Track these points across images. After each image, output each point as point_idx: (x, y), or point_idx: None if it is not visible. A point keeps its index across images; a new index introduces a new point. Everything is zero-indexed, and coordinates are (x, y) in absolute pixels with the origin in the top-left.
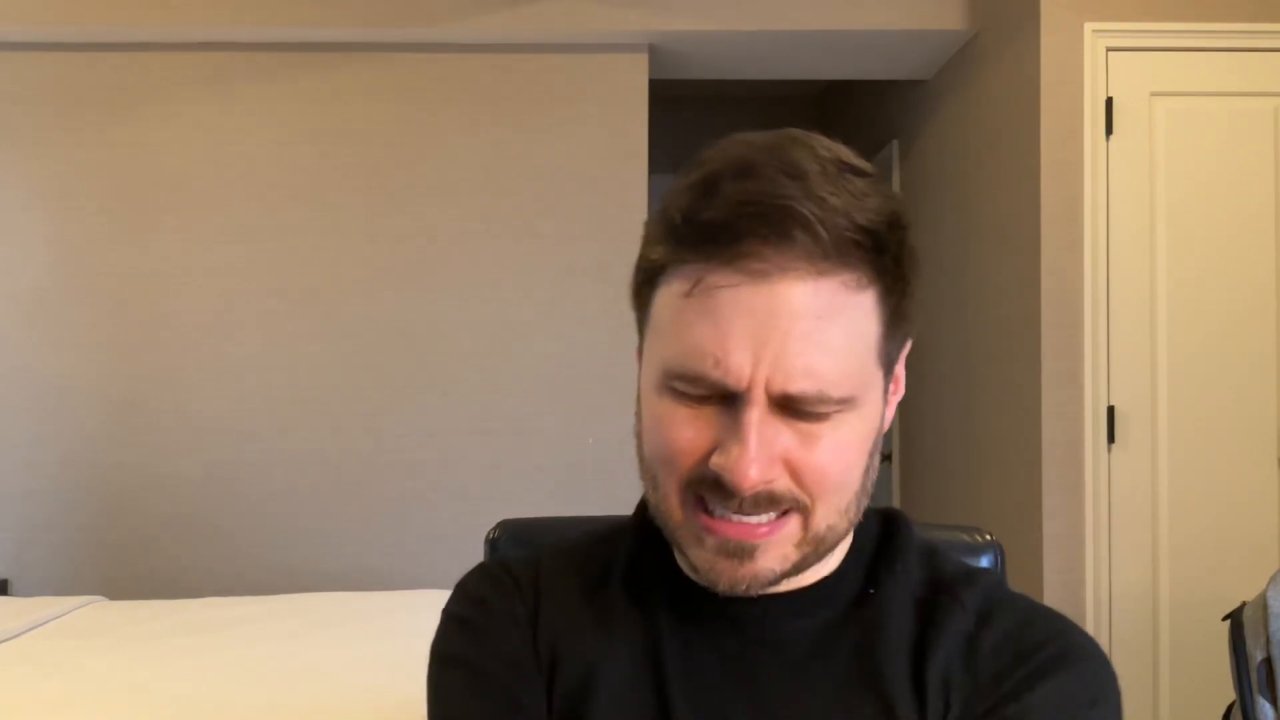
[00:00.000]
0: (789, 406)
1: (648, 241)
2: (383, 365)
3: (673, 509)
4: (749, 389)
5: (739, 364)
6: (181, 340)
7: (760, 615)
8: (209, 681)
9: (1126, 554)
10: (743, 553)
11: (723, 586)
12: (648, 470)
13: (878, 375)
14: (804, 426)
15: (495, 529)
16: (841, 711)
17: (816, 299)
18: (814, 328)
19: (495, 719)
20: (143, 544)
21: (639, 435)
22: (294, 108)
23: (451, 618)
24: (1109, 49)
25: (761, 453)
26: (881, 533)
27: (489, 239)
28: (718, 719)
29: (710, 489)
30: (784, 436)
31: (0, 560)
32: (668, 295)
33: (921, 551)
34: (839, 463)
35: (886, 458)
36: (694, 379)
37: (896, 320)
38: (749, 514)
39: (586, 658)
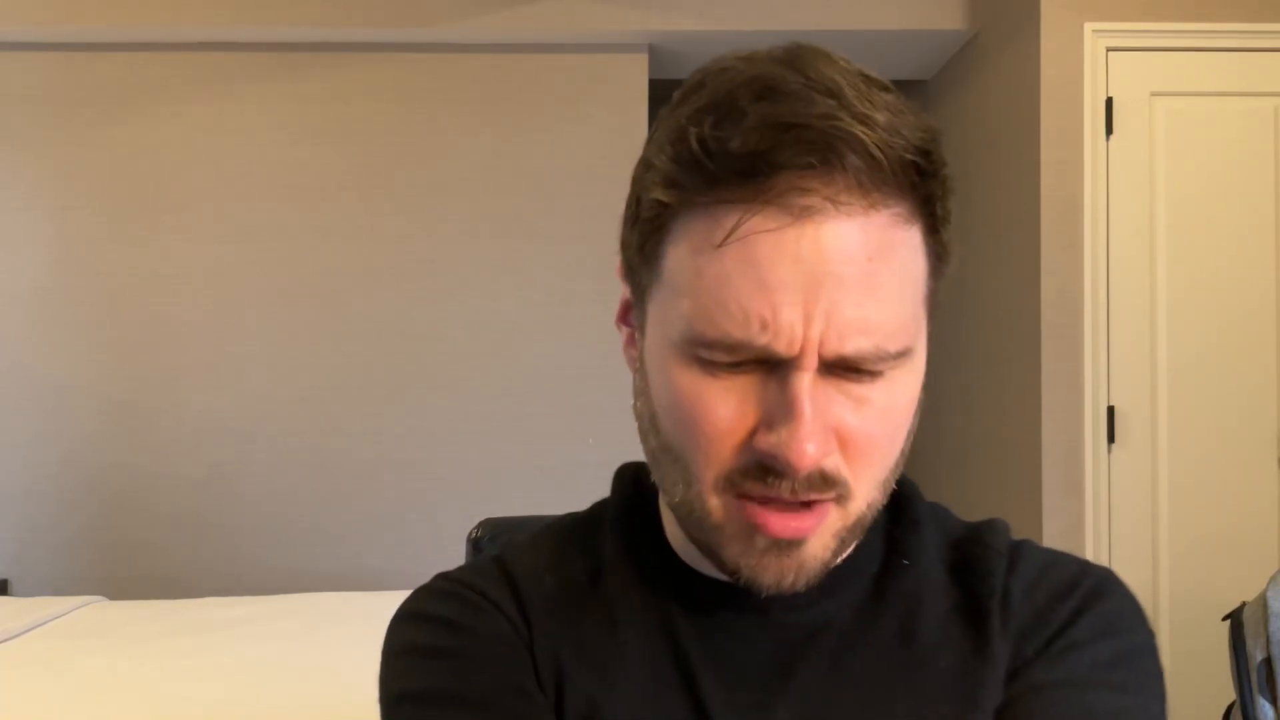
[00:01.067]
0: (841, 367)
1: (649, 182)
2: (383, 365)
3: (711, 507)
4: (801, 353)
5: (790, 324)
6: (181, 340)
7: (786, 602)
8: (209, 681)
9: (1126, 554)
10: (791, 547)
11: (768, 585)
12: (671, 459)
13: (924, 321)
14: (855, 389)
15: (477, 528)
16: (901, 690)
17: (868, 237)
18: (867, 272)
19: None
20: (143, 544)
21: (649, 419)
22: (294, 108)
23: (412, 650)
24: (1109, 49)
25: (816, 425)
26: (891, 498)
27: (489, 239)
28: (765, 713)
29: (755, 476)
30: (836, 404)
31: (0, 560)
32: (686, 246)
33: (930, 510)
34: (889, 427)
35: None
36: (733, 346)
37: (942, 255)
38: (800, 497)
39: (598, 673)
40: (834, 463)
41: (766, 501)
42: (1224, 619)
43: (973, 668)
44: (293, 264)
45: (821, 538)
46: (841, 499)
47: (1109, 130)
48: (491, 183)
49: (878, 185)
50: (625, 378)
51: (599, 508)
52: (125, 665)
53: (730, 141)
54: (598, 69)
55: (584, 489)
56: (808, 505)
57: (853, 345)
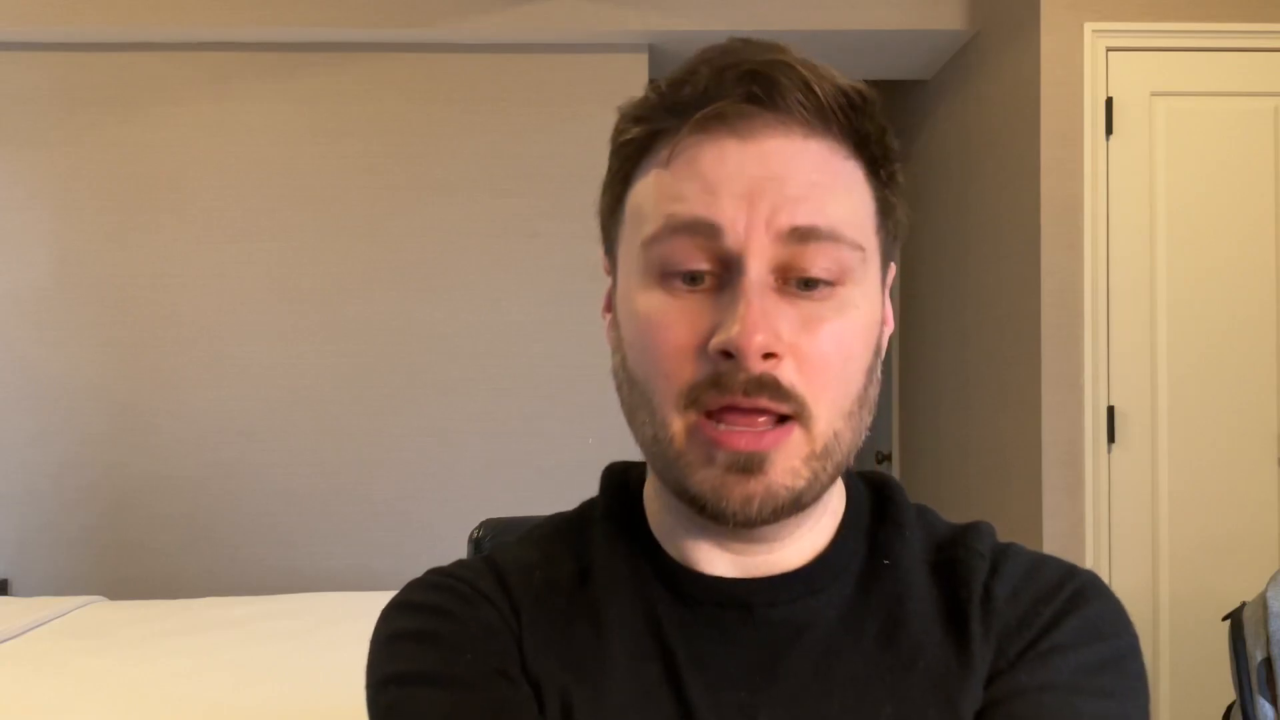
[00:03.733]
0: (794, 277)
1: (615, 140)
2: (383, 365)
3: (673, 432)
4: (746, 247)
5: (732, 214)
6: (181, 340)
7: (771, 598)
8: (209, 682)
9: (1126, 554)
10: (753, 465)
11: (734, 506)
12: (639, 395)
13: (876, 258)
14: (806, 305)
15: (479, 528)
16: (884, 694)
17: (810, 158)
18: (811, 183)
19: None
20: (143, 544)
21: (623, 370)
22: (294, 108)
23: (400, 636)
24: (1109, 49)
25: (764, 321)
26: (875, 498)
27: (489, 239)
28: (742, 708)
29: (712, 388)
30: (786, 316)
31: (0, 560)
32: (646, 177)
33: (916, 512)
34: (842, 351)
35: (886, 457)
36: (679, 227)
37: (886, 207)
38: (754, 399)
39: (585, 672)
40: (788, 375)
41: (724, 413)
42: (1224, 619)
43: (953, 671)
44: (293, 264)
45: (788, 459)
46: (801, 419)
47: (1109, 130)
48: (491, 183)
49: (815, 117)
50: None
51: (586, 507)
52: (125, 665)
53: (685, 86)
54: (598, 69)
55: (584, 489)
56: (766, 419)
57: (804, 217)
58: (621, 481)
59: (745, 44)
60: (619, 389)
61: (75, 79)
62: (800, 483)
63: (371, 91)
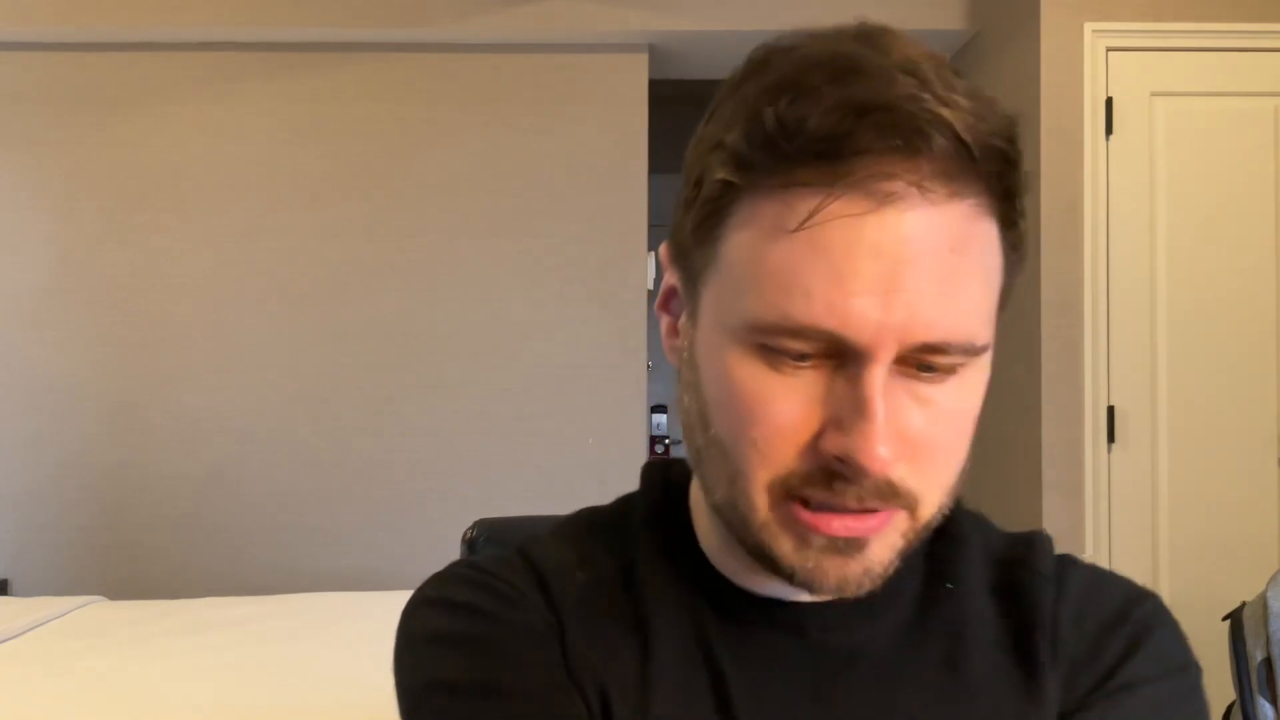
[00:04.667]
0: (914, 364)
1: (715, 162)
2: (383, 365)
3: (759, 507)
4: (876, 345)
5: (865, 313)
6: (181, 340)
7: (824, 623)
8: (209, 682)
9: (1126, 554)
10: (852, 547)
11: (830, 588)
12: (719, 456)
13: (994, 323)
14: (923, 390)
15: (472, 528)
16: (948, 716)
17: (950, 228)
18: (949, 264)
19: None
20: (142, 544)
21: (697, 414)
22: (294, 108)
23: (443, 639)
24: (1109, 49)
25: (890, 426)
26: None
27: (489, 239)
28: None
29: (818, 481)
30: (904, 405)
31: (0, 560)
32: (753, 230)
33: (971, 521)
34: (956, 432)
35: None
36: (802, 333)
37: (1018, 251)
38: (865, 505)
39: (628, 685)
40: (900, 472)
41: (823, 508)
42: (1224, 619)
43: (1020, 705)
44: (292, 264)
45: (887, 538)
46: (909, 506)
47: (1109, 130)
48: (491, 183)
49: (963, 172)
50: (625, 378)
51: (624, 505)
52: (125, 665)
53: (808, 121)
54: (598, 69)
55: (584, 489)
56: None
57: (939, 333)
58: (663, 482)
59: (874, 56)
60: (687, 427)
61: (75, 79)
62: (895, 555)
63: (371, 91)
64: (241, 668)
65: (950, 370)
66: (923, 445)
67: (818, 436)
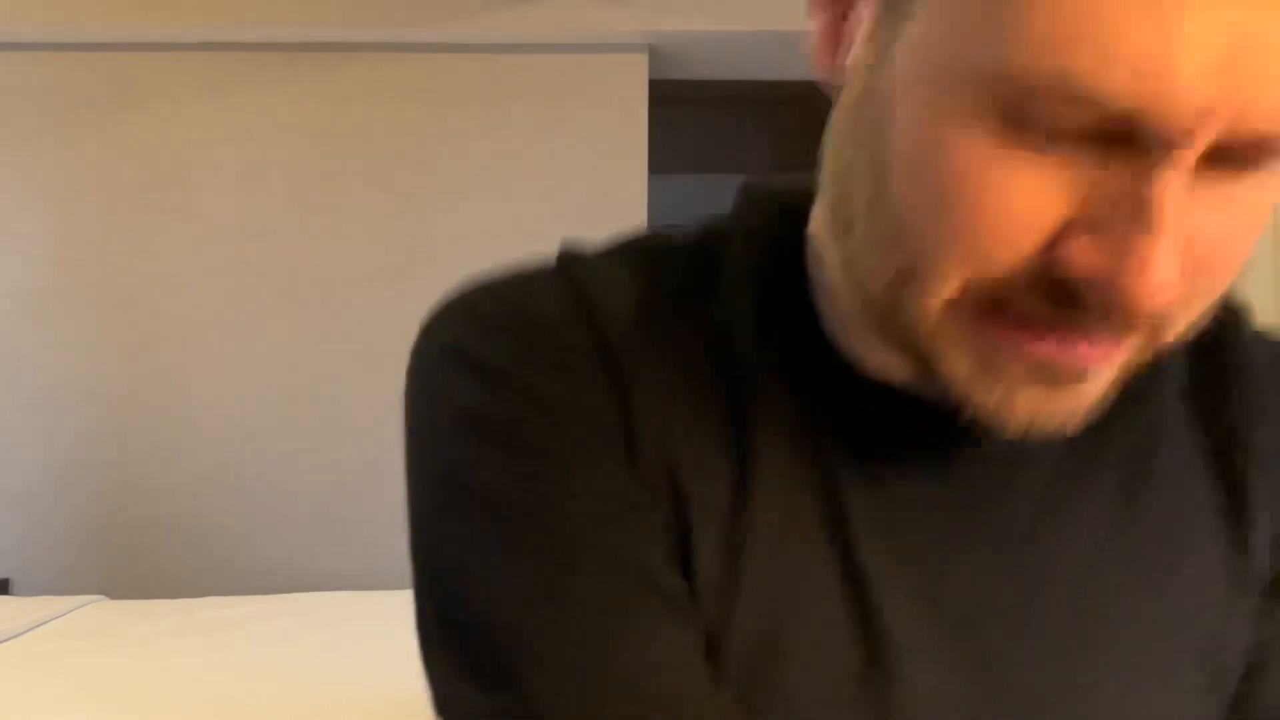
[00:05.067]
0: (1224, 154)
1: None
2: (384, 365)
3: (930, 312)
4: (1191, 128)
5: (1190, 83)
6: (181, 340)
7: (976, 432)
8: (210, 681)
9: None
10: (1063, 378)
11: (1016, 427)
12: (889, 239)
13: None
14: (1223, 186)
15: None
16: (1119, 570)
17: None
18: None
19: (616, 529)
20: (144, 544)
21: (866, 170)
22: (294, 108)
23: (470, 422)
24: None
25: (1175, 244)
26: None
27: (489, 238)
28: (927, 575)
29: (1042, 296)
30: (1196, 209)
31: (1, 560)
32: None
33: None
34: (1251, 240)
35: None
36: (1078, 99)
37: None
38: (1111, 339)
39: (715, 489)
40: (1168, 300)
41: (1028, 322)
42: None
43: (1220, 548)
44: (293, 264)
45: (1113, 367)
46: (1159, 333)
47: None
48: (491, 183)
49: None
50: None
51: (709, 236)
52: (126, 665)
53: None
54: (598, 69)
55: None
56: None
57: None
58: (773, 211)
59: None
60: (839, 183)
61: (75, 79)
62: (1115, 383)
63: (372, 91)
64: (242, 667)
65: (1265, 162)
66: (1207, 261)
67: (1054, 242)
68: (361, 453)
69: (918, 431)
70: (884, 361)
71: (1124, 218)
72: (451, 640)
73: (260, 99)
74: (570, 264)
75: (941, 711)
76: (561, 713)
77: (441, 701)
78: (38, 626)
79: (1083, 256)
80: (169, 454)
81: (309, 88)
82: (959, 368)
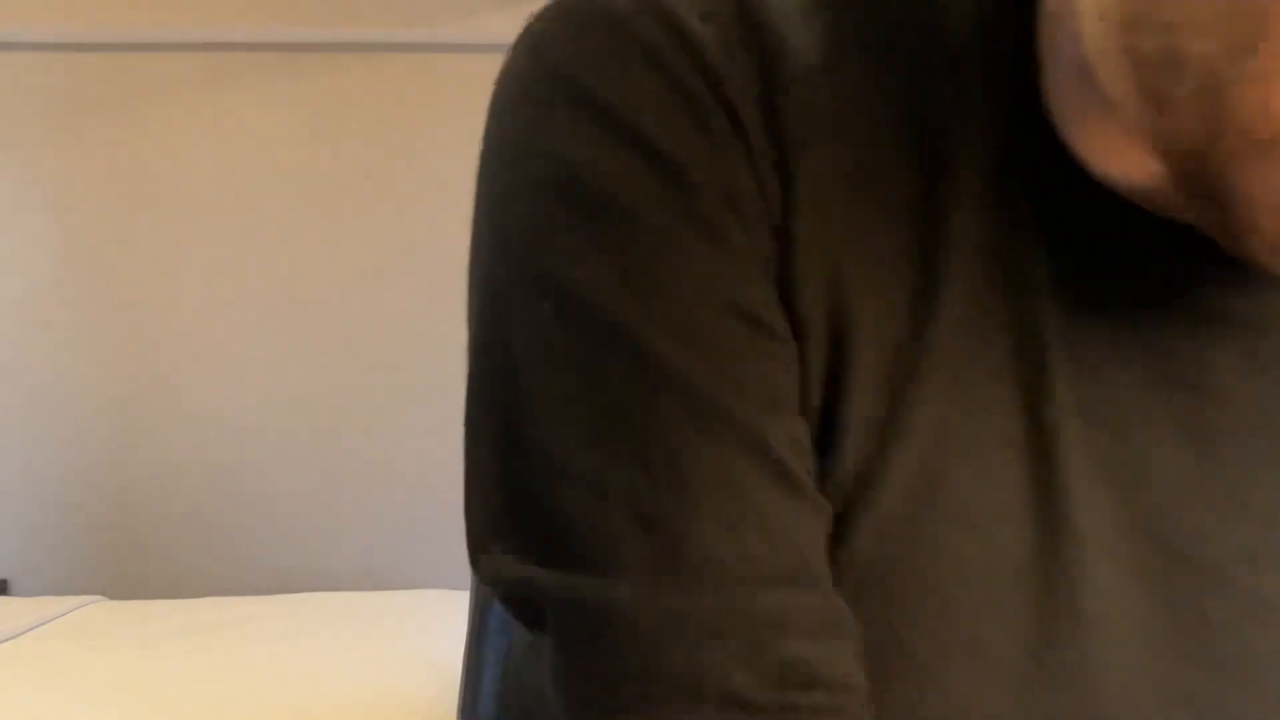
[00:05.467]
0: None
1: None
2: (384, 365)
3: (1276, 112)
4: None
5: None
6: (181, 340)
7: (1232, 275)
8: (210, 681)
9: None
10: None
11: None
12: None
13: None
14: None
15: None
16: None
17: None
18: None
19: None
20: (143, 544)
21: None
22: (294, 108)
23: (580, 201)
24: None
25: None
26: None
27: None
28: (1131, 462)
29: None
30: None
31: (0, 560)
32: None
33: None
34: None
35: None
36: None
37: None
38: None
39: (891, 295)
40: None
41: None
42: None
43: None
44: (293, 264)
45: None
46: None
47: None
48: None
49: None
50: None
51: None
52: (126, 665)
53: None
54: None
55: None
56: None
57: None
58: None
59: None
60: None
61: (75, 79)
62: None
63: (371, 91)
64: (242, 668)
65: None
66: None
67: None
68: (361, 453)
69: (1159, 264)
70: (1125, 163)
71: None
72: (501, 482)
73: (260, 99)
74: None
75: (1119, 634)
76: (642, 610)
77: (487, 563)
78: (37, 627)
79: None
80: (168, 454)
81: (309, 88)
82: (1273, 195)
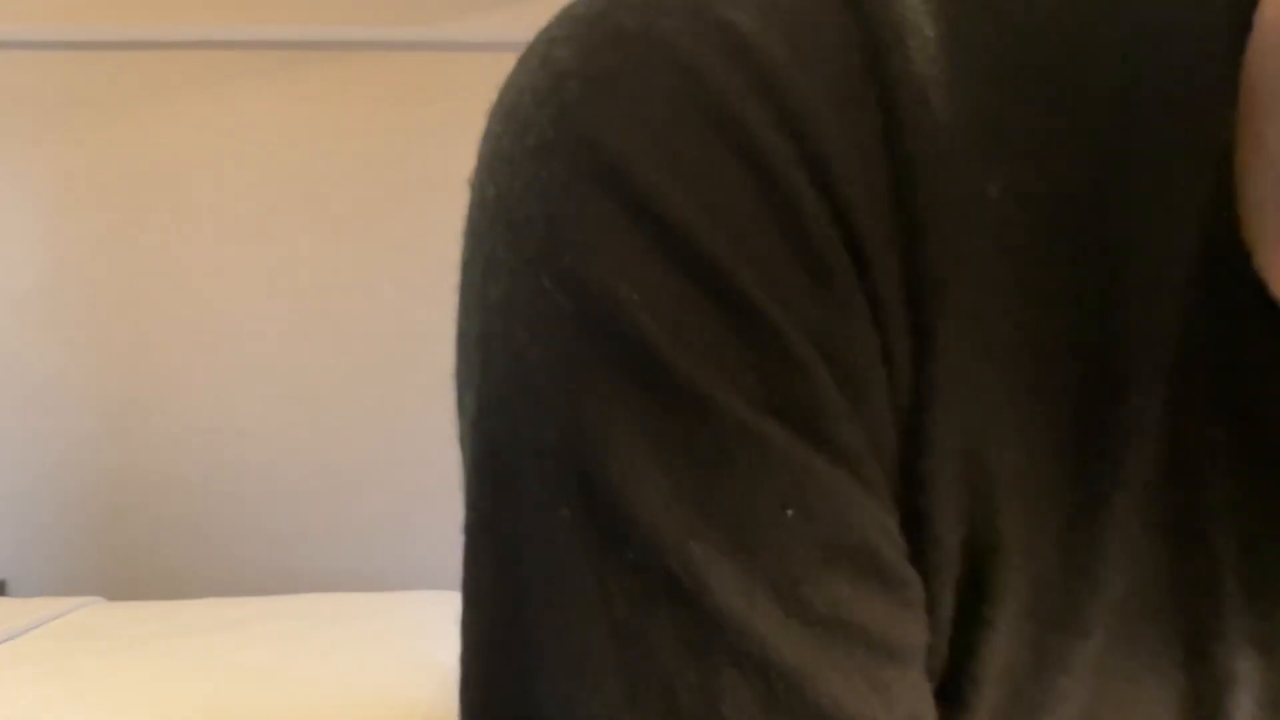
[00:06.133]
0: None
1: None
2: (384, 365)
3: None
4: None
5: None
6: (181, 340)
7: None
8: (209, 682)
9: None
10: None
11: None
12: None
13: None
14: None
15: None
16: None
17: None
18: None
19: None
20: (142, 544)
21: None
22: (294, 107)
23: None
24: None
25: None
26: None
27: None
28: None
29: None
30: None
31: None
32: None
33: None
34: None
35: None
36: None
37: None
38: None
39: (1045, 536)
40: None
41: None
42: None
43: None
44: (293, 264)
45: None
46: None
47: None
48: None
49: None
50: None
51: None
52: (124, 666)
53: None
54: None
55: None
56: None
57: None
58: None
59: None
60: None
61: (74, 78)
62: None
63: (371, 91)
64: (241, 669)
65: None
66: None
67: None
68: (361, 453)
69: None
70: None
71: None
72: None
73: (259, 98)
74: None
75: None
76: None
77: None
78: (35, 628)
79: None
80: (167, 454)
81: (309, 87)
82: None
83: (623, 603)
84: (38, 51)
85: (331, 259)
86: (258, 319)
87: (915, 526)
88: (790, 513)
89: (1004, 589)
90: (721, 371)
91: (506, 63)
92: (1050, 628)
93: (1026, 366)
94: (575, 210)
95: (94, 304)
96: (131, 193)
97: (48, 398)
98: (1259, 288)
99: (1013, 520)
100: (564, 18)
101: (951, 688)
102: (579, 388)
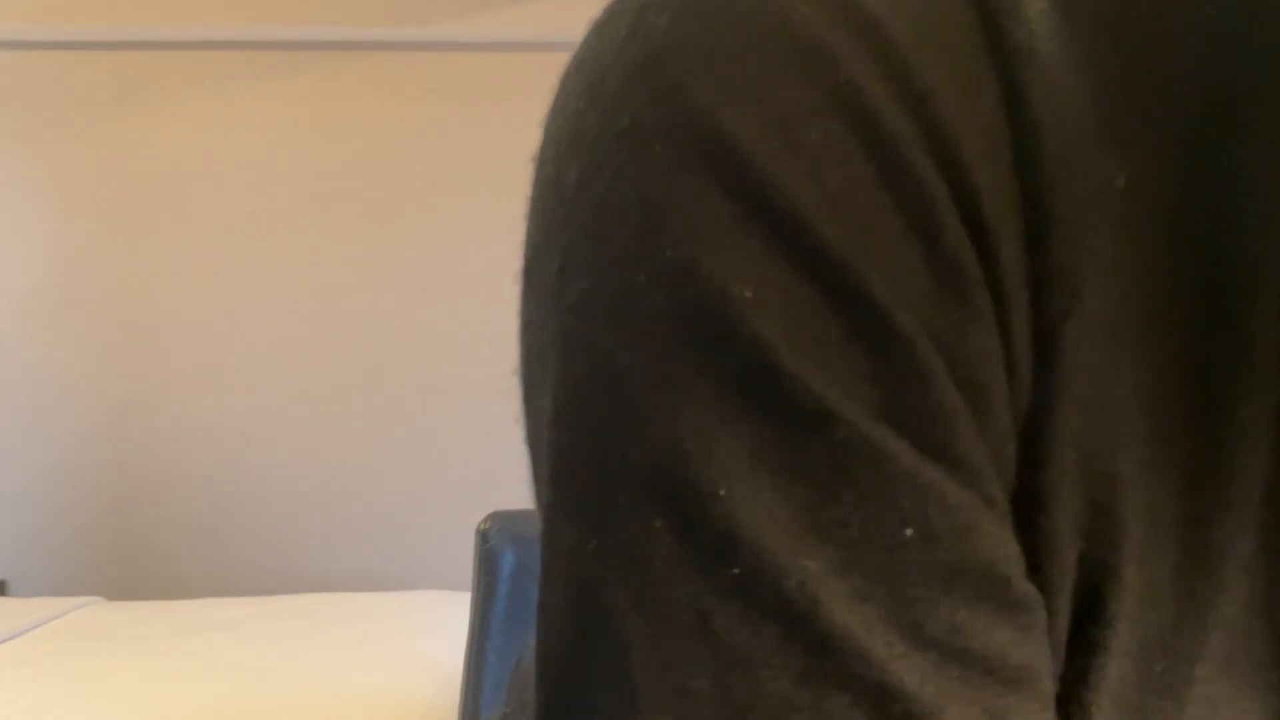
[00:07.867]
0: None
1: None
2: (384, 365)
3: None
4: None
5: None
6: (181, 340)
7: None
8: (209, 682)
9: None
10: None
11: None
12: None
13: None
14: None
15: (486, 520)
16: None
17: None
18: None
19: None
20: (142, 544)
21: None
22: (294, 108)
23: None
24: None
25: None
26: None
27: (489, 238)
28: None
29: None
30: None
31: None
32: None
33: None
34: None
35: None
36: None
37: None
38: None
39: (1160, 569)
40: None
41: None
42: None
43: None
44: (293, 264)
45: None
46: None
47: None
48: (491, 182)
49: None
50: None
51: None
52: (124, 666)
53: None
54: None
55: None
56: None
57: None
58: None
59: None
60: None
61: (75, 78)
62: None
63: (371, 91)
64: (241, 668)
65: None
66: None
67: None
68: (361, 453)
69: None
70: None
71: None
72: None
73: (259, 98)
74: None
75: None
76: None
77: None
78: (35, 628)
79: None
80: (167, 454)
81: (309, 87)
82: None
83: (723, 623)
84: (38, 51)
85: (332, 259)
86: (258, 319)
87: (1031, 544)
88: (910, 532)
89: (1118, 610)
90: (840, 380)
91: (506, 63)
92: (1160, 652)
93: (1147, 374)
94: (678, 200)
95: (94, 304)
96: (131, 193)
97: (48, 398)
98: None
99: (1130, 538)
100: None
101: (1060, 715)
102: (676, 393)
